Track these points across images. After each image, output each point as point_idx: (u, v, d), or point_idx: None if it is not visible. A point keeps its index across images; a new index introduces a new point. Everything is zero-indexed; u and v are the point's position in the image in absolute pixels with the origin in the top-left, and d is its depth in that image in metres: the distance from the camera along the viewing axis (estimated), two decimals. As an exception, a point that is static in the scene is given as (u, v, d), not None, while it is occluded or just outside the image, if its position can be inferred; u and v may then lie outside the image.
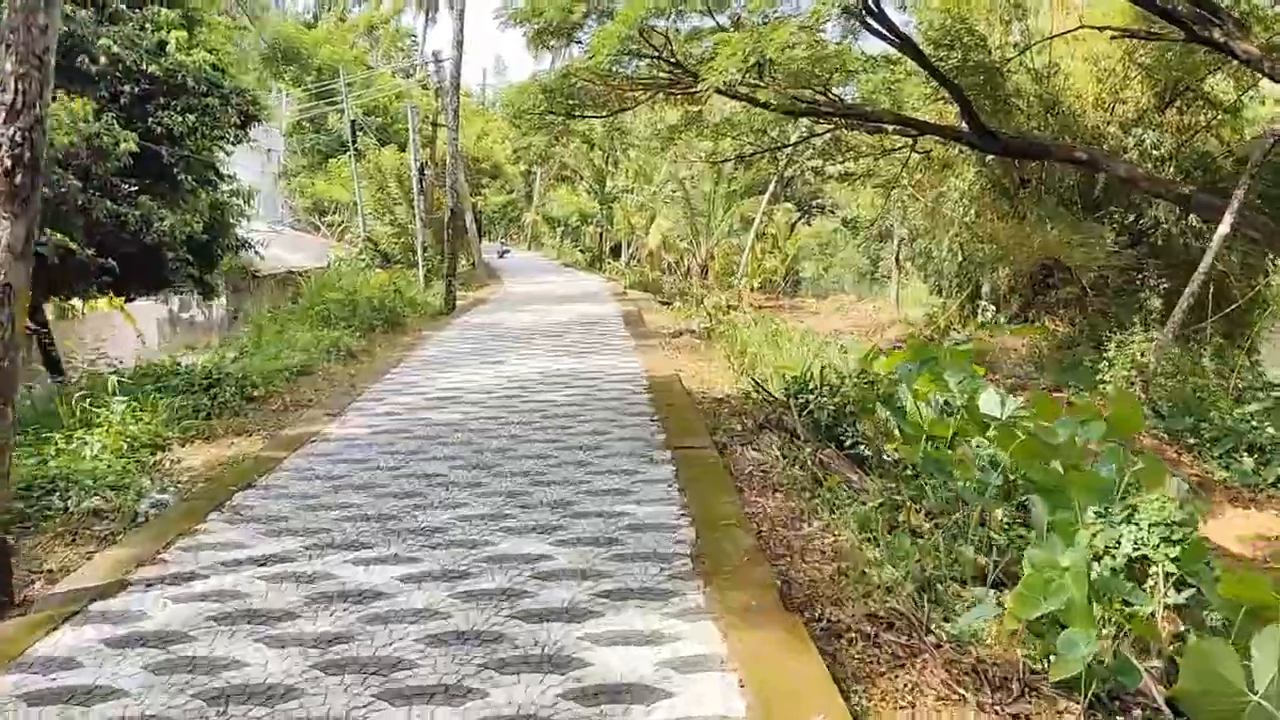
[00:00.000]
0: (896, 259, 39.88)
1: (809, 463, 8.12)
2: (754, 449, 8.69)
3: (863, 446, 9.06)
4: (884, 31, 18.58)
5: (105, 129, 13.82)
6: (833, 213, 54.15)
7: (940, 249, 33.23)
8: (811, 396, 9.42)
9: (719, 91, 21.13)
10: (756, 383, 10.12)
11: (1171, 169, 25.11)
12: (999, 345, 30.50)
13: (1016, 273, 30.04)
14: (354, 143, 23.11)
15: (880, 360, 10.20)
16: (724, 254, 42.55)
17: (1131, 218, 28.31)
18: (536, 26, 21.60)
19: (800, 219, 49.21)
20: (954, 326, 32.21)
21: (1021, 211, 28.06)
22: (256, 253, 17.87)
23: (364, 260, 21.90)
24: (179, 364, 11.05)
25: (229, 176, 16.72)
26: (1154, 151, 26.07)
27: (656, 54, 20.30)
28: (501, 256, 46.22)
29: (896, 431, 9.46)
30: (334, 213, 31.85)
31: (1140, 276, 27.04)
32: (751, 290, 41.99)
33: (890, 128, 23.55)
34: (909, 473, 8.13)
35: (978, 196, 29.92)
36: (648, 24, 19.14)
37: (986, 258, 30.02)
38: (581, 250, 46.06)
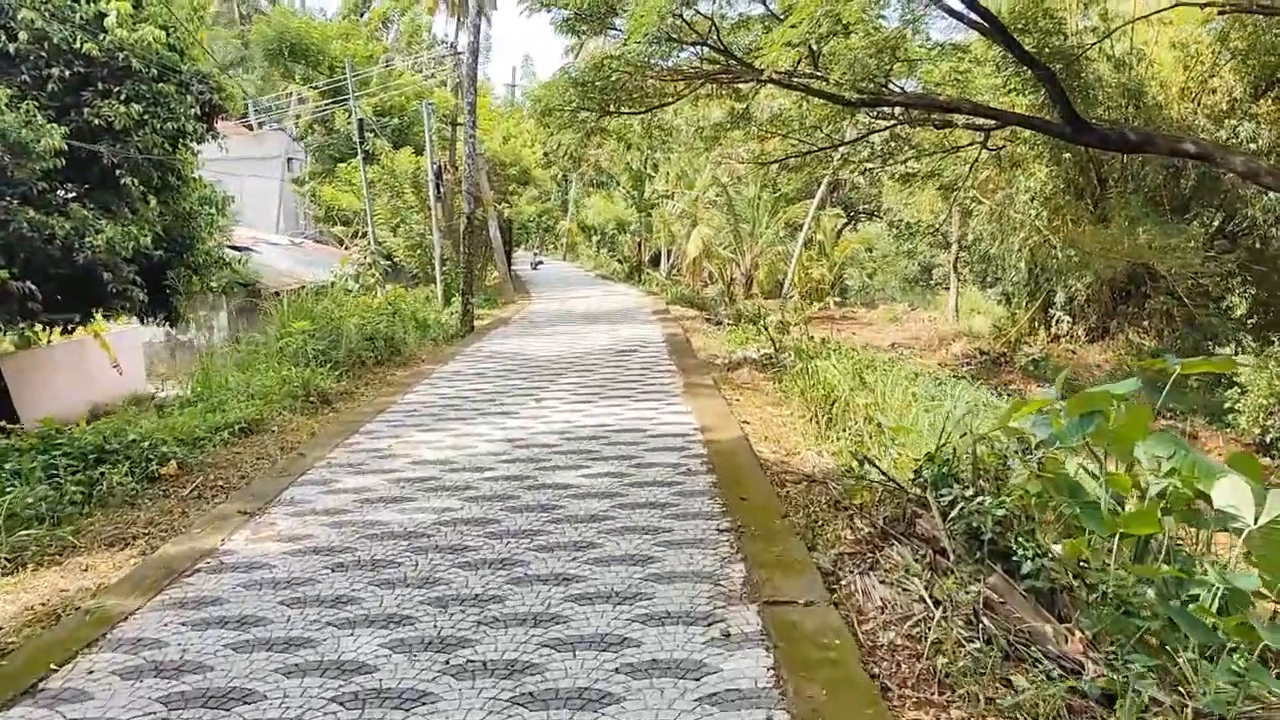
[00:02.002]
0: (954, 266, 36.34)
1: (977, 613, 4.82)
2: (881, 580, 5.35)
3: (1046, 567, 5.60)
4: (962, 10, 15.54)
5: (24, 121, 10.78)
6: (879, 217, 50.69)
7: (1009, 255, 29.68)
8: (959, 489, 6.01)
9: (773, 81, 18.13)
10: (869, 461, 6.73)
11: (1274, 162, 21.66)
12: (1076, 360, 26.94)
13: (1097, 280, 26.39)
14: (361, 144, 19.90)
15: (1020, 412, 6.93)
16: (769, 262, 39.16)
17: (1220, 218, 24.85)
18: (565, 13, 18.60)
19: (846, 225, 45.79)
20: (1024, 340, 28.77)
21: (1103, 213, 24.64)
22: (233, 269, 14.82)
23: (372, 276, 18.76)
24: (63, 428, 7.84)
25: (194, 179, 13.62)
26: (1250, 145, 22.65)
27: (701, 40, 17.36)
28: (534, 268, 42.99)
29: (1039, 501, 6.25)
30: (356, 222, 28.83)
31: (1230, 283, 23.57)
32: (823, 303, 38.48)
33: (960, 121, 20.44)
34: (1108, 603, 4.82)
35: (1051, 197, 26.53)
36: (691, 5, 16.29)
37: (1063, 264, 26.47)
38: (619, 260, 42.54)
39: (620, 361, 12.98)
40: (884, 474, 6.57)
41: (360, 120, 19.79)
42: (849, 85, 17.22)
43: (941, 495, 6.04)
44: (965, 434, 7.20)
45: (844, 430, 8.83)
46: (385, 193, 23.40)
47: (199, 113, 12.78)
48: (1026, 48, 19.68)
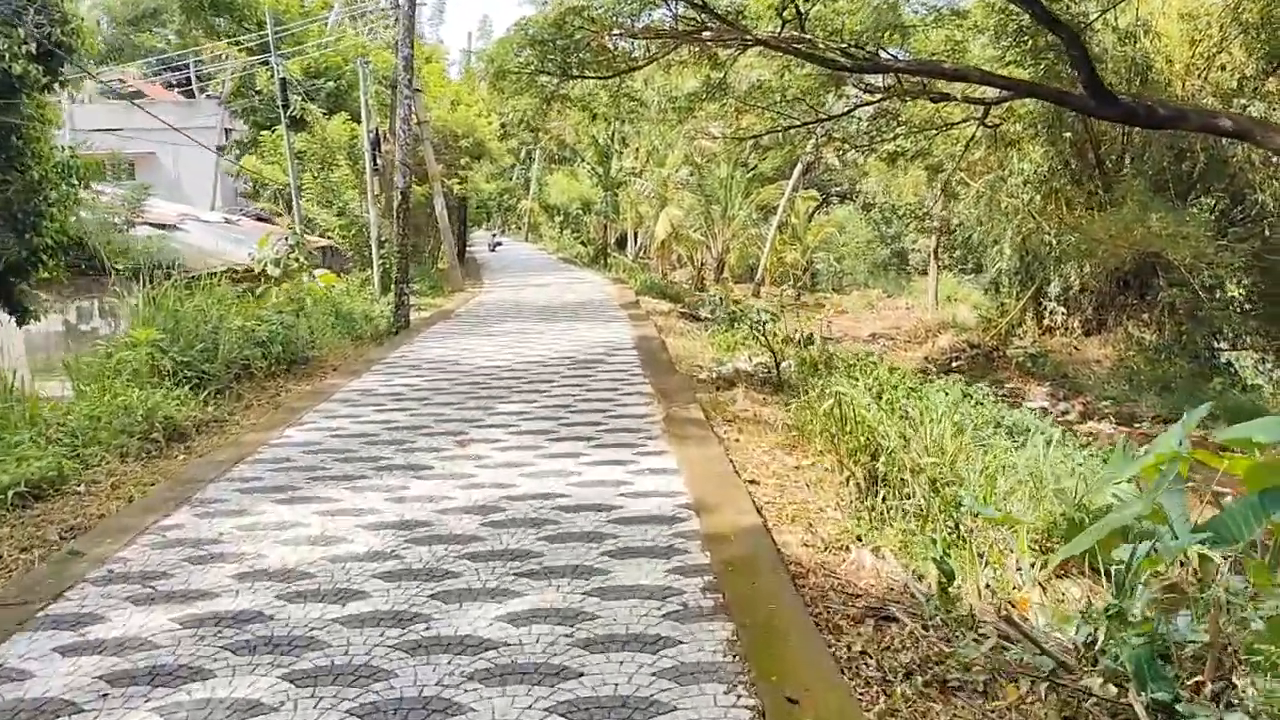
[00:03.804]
0: (934, 251, 33.79)
1: None
2: None
3: None
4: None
5: None
6: (852, 200, 48.17)
7: (1001, 240, 27.16)
8: (1200, 705, 3.15)
9: (759, 42, 15.63)
10: (1012, 623, 3.88)
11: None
12: (1075, 356, 24.42)
13: (1097, 269, 23.91)
14: (284, 106, 16.53)
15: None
16: (740, 246, 36.32)
17: (1225, 203, 22.61)
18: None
19: (818, 207, 43.02)
20: (1014, 332, 26.31)
21: (1102, 198, 22.27)
22: (98, 249, 11.71)
23: (296, 259, 15.62)
24: None
25: (42, 141, 10.40)
26: (1261, 126, 20.04)
27: (677, -8, 14.71)
28: (493, 249, 39.58)
29: None
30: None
31: (1228, 273, 21.28)
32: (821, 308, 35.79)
33: (960, 95, 18.02)
34: None
35: (1046, 179, 24.10)
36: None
37: (1061, 251, 24.02)
38: (583, 243, 39.17)
39: (581, 378, 9.98)
40: (1033, 642, 3.69)
41: (283, 80, 16.53)
42: (837, 52, 14.80)
43: (1161, 695, 3.20)
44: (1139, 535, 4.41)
45: (895, 497, 5.99)
46: (317, 165, 20.19)
47: (35, 52, 9.59)
48: (1028, 17, 17.21)
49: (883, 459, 6.30)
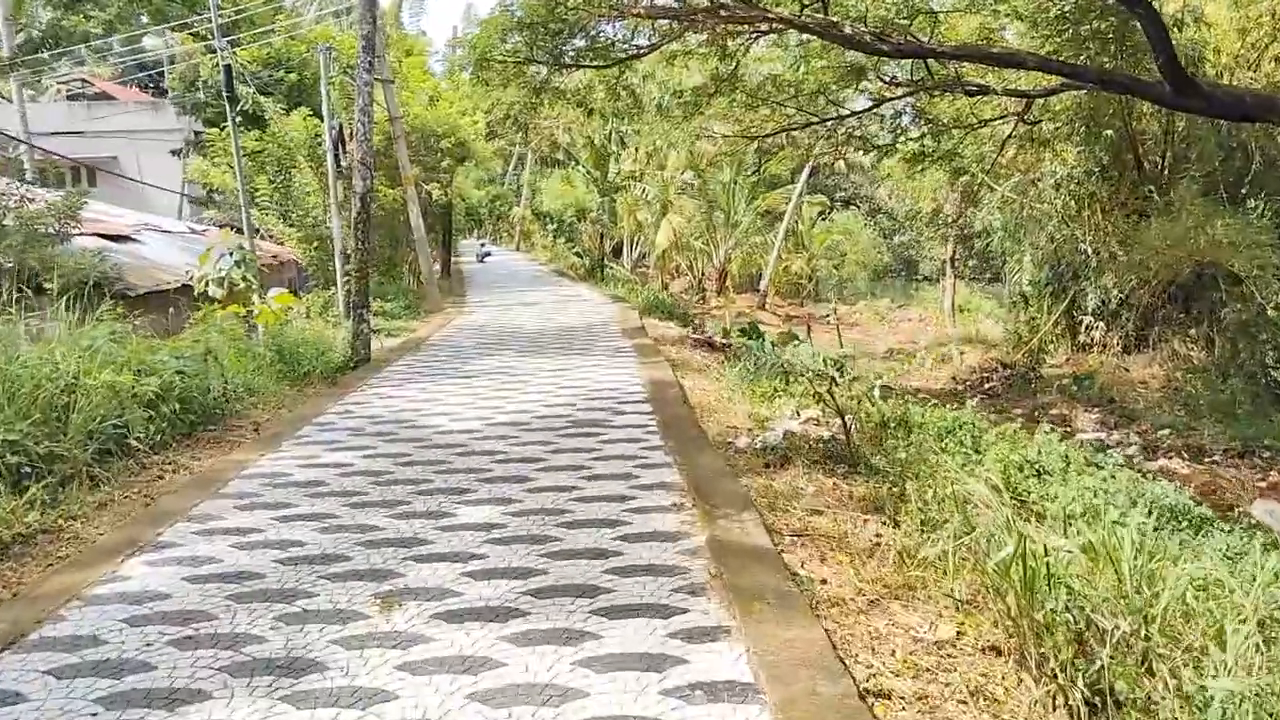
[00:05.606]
0: (951, 260, 31.18)
1: None
2: None
3: None
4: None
5: None
6: (857, 205, 45.50)
7: (1032, 249, 24.64)
8: None
9: (785, 22, 13.45)
10: None
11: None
12: (1119, 377, 21.73)
13: (1145, 282, 21.28)
14: (231, 100, 13.56)
15: None
16: (744, 255, 33.63)
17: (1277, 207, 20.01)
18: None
19: (821, 214, 40.37)
20: (1045, 350, 23.66)
21: (1144, 203, 19.87)
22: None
23: (244, 278, 12.85)
24: None
25: None
26: (1315, 126, 17.74)
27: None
28: (481, 260, 36.52)
29: None
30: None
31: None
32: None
33: (998, 85, 15.91)
34: None
35: (1082, 182, 21.73)
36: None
37: (1104, 262, 21.53)
38: (578, 253, 35.91)
39: (578, 453, 7.09)
40: None
41: (228, 67, 13.66)
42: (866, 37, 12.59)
43: None
44: None
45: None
46: (274, 167, 17.39)
47: None
48: (1070, 3, 14.87)
49: (1106, 651, 3.50)
